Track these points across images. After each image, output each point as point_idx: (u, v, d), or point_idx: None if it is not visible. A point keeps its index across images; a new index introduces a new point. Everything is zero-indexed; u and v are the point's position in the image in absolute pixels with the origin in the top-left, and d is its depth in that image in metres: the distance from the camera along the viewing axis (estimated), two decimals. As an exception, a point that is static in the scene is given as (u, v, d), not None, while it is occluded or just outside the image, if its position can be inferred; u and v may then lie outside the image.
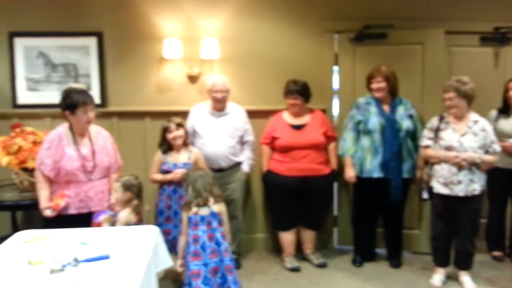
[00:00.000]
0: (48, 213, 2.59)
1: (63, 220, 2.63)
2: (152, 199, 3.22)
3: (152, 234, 2.14)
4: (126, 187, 2.63)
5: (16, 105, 3.61)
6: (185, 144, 3.19)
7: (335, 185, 3.85)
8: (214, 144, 3.36)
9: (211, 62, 3.68)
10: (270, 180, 3.57)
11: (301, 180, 3.45)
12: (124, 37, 3.64)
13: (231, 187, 3.46)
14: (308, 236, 3.68)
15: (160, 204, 3.13)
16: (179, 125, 3.15)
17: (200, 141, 3.38)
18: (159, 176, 3.16)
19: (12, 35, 3.55)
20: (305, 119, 3.56)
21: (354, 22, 3.70)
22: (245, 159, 3.56)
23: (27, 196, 3.13)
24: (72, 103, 2.66)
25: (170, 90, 3.73)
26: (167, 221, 3.11)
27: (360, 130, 3.44)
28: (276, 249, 3.83)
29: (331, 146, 3.64)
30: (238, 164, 3.52)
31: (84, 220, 2.62)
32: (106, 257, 1.74)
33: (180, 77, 3.71)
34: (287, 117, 3.58)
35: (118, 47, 3.65)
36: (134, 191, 2.65)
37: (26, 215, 3.64)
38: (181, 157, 3.16)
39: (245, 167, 3.56)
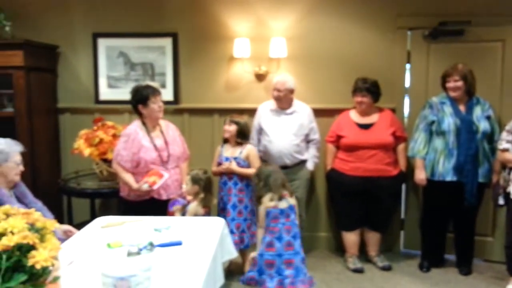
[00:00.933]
0: (145, 187, 2.75)
1: (140, 206, 2.82)
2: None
3: (218, 225, 2.23)
4: (194, 180, 2.77)
5: (98, 101, 3.91)
6: (238, 142, 3.25)
7: (403, 187, 3.73)
8: (279, 142, 3.40)
9: (279, 60, 3.72)
10: (334, 179, 3.55)
11: (366, 181, 3.38)
12: (197, 37, 3.81)
13: (295, 184, 3.48)
14: (373, 238, 3.60)
15: (224, 197, 3.23)
16: (233, 122, 3.23)
17: (266, 139, 3.44)
18: (214, 168, 3.28)
19: (96, 36, 3.85)
20: (373, 118, 3.48)
21: (428, 18, 3.56)
22: (310, 157, 3.57)
23: (105, 185, 3.41)
24: (143, 96, 2.88)
25: (238, 88, 3.84)
26: (222, 212, 3.21)
27: (433, 131, 3.30)
28: (339, 249, 3.80)
29: (400, 147, 3.53)
30: (302, 162, 3.53)
31: (160, 206, 2.80)
32: (179, 243, 1.86)
33: (248, 76, 3.80)
34: (354, 116, 3.53)
35: (191, 47, 3.83)
36: (201, 184, 2.78)
37: (103, 202, 3.95)
38: (233, 151, 3.25)
39: (310, 165, 3.57)
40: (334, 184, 3.58)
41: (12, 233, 0.97)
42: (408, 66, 3.73)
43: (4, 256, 0.92)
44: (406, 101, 3.79)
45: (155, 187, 2.76)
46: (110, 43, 3.85)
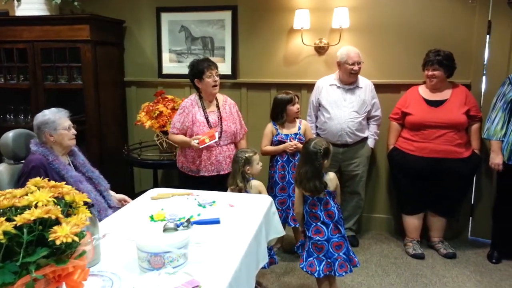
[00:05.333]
0: (194, 143, 2.79)
1: (196, 180, 2.89)
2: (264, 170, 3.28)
3: (264, 203, 2.19)
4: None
5: (161, 75, 4.01)
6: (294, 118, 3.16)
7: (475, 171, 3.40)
8: (340, 119, 3.25)
9: (341, 32, 3.52)
10: (397, 159, 3.34)
11: (433, 162, 3.15)
12: (256, 9, 3.71)
13: (355, 162, 3.35)
14: (437, 223, 3.38)
15: (274, 175, 3.19)
16: (298, 98, 3.13)
17: (326, 116, 3.31)
18: (270, 148, 3.17)
19: (159, 10, 3.91)
20: (444, 95, 3.20)
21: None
22: (371, 134, 3.41)
23: (166, 156, 3.52)
24: (198, 70, 2.88)
25: (297, 62, 3.71)
26: (281, 191, 3.16)
27: (513, 110, 2.95)
28: (399, 232, 3.62)
29: (474, 127, 3.23)
30: (363, 140, 3.37)
31: (214, 182, 2.82)
32: (217, 221, 1.85)
33: (308, 49, 3.65)
34: (424, 92, 3.27)
35: (250, 19, 3.75)
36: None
37: (166, 173, 4.10)
38: (293, 128, 3.15)
39: (370, 142, 3.42)
40: (397, 165, 3.37)
41: (36, 206, 1.00)
42: (487, 37, 3.32)
43: (25, 230, 0.95)
44: (484, 76, 3.40)
45: (202, 146, 2.76)
46: (173, 17, 3.90)
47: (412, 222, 3.39)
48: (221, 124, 2.94)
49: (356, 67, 3.19)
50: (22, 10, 3.63)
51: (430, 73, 3.16)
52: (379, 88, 3.42)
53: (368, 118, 3.38)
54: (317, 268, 2.35)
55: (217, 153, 2.92)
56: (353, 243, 3.45)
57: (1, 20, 3.71)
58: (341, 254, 2.39)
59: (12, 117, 3.95)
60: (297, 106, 3.10)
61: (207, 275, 1.39)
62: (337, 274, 2.39)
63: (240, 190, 2.59)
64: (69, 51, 3.57)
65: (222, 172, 2.91)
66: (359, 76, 3.33)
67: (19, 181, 2.22)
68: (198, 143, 2.78)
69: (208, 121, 2.92)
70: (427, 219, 3.42)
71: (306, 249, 2.40)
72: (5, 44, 3.68)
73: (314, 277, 2.45)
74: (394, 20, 3.47)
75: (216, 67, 2.93)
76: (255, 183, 2.61)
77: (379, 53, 3.54)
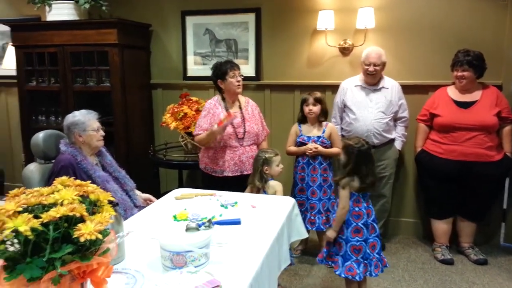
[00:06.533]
0: (215, 127, 2.78)
1: (219, 180, 2.90)
2: (289, 170, 3.28)
3: (287, 204, 2.18)
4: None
5: (186, 77, 4.06)
6: (320, 121, 3.12)
7: (507, 174, 3.29)
8: (365, 120, 3.21)
9: (366, 32, 3.47)
10: (425, 161, 3.26)
11: (462, 166, 3.06)
12: (280, 11, 3.71)
13: (382, 164, 3.30)
14: (467, 229, 3.28)
15: (295, 175, 3.17)
16: (317, 100, 3.07)
17: (351, 117, 3.27)
18: (293, 149, 3.17)
19: (184, 13, 3.96)
20: (474, 96, 3.11)
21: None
22: (398, 136, 3.34)
23: (190, 157, 3.56)
24: (221, 71, 2.90)
25: (321, 64, 3.68)
26: (300, 193, 3.14)
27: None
28: (427, 237, 3.54)
29: (506, 129, 3.12)
30: (390, 141, 3.31)
31: (238, 182, 2.83)
32: (238, 222, 1.85)
33: (332, 50, 3.62)
34: (452, 93, 3.18)
35: (274, 21, 3.75)
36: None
37: (191, 174, 4.15)
38: (315, 130, 3.12)
39: (398, 144, 3.36)
40: (424, 167, 3.30)
41: (62, 204, 1.03)
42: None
43: (51, 227, 0.98)
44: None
45: (222, 125, 2.74)
46: (197, 20, 3.94)
47: (441, 227, 3.30)
48: (244, 125, 2.95)
49: (371, 68, 3.14)
50: (53, 16, 3.76)
51: (459, 74, 3.08)
52: (407, 89, 3.35)
53: (395, 119, 3.32)
54: (358, 271, 2.30)
55: (240, 153, 2.93)
56: (379, 247, 3.40)
57: (33, 25, 3.86)
58: (375, 254, 2.36)
59: (43, 118, 4.09)
60: (309, 107, 3.07)
61: (228, 275, 1.39)
62: (373, 274, 2.36)
63: (258, 190, 2.59)
64: (97, 54, 3.67)
65: (245, 173, 2.92)
66: (385, 77, 3.27)
67: (49, 180, 2.29)
68: (218, 125, 2.76)
69: (232, 122, 2.93)
70: (456, 224, 3.32)
71: (341, 253, 2.35)
72: (37, 48, 3.82)
73: (338, 280, 2.42)
74: (421, 19, 3.40)
75: (239, 68, 2.94)
76: (273, 183, 2.60)
77: (406, 54, 3.47)
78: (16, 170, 4.62)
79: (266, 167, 2.59)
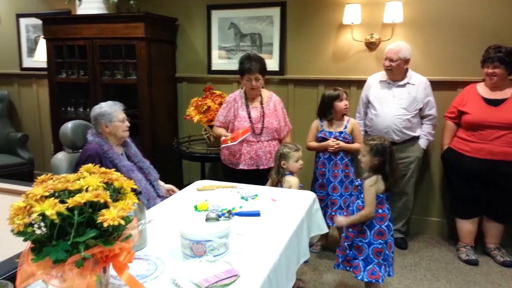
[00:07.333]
0: (222, 138, 2.86)
1: (236, 172, 2.93)
2: (310, 165, 3.26)
3: (308, 199, 2.18)
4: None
5: (210, 71, 4.10)
6: (342, 115, 3.10)
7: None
8: (386, 116, 3.17)
9: (393, 26, 3.41)
10: (451, 160, 3.19)
11: (490, 165, 2.97)
12: (305, 5, 3.69)
13: (405, 162, 3.24)
14: (494, 229, 3.19)
15: (315, 171, 3.15)
16: (346, 95, 3.07)
17: (373, 112, 3.24)
18: (314, 144, 3.15)
19: (210, 7, 3.99)
20: (505, 94, 3.02)
21: None
22: (423, 134, 3.27)
23: (213, 150, 3.59)
24: (241, 69, 2.91)
25: (346, 58, 3.64)
26: (320, 188, 3.12)
27: None
28: (452, 237, 3.46)
29: (538, 128, 3.00)
30: (413, 139, 3.25)
31: (254, 176, 2.84)
32: (257, 214, 1.87)
33: (358, 44, 3.57)
34: (482, 90, 3.09)
35: (299, 15, 3.72)
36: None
37: (212, 166, 4.19)
38: (337, 126, 3.09)
39: (422, 143, 3.28)
40: (451, 166, 3.22)
41: (87, 190, 1.06)
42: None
43: (76, 212, 1.02)
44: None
45: (237, 138, 2.79)
46: (223, 14, 3.96)
47: (466, 227, 3.22)
48: (263, 121, 2.95)
49: (387, 63, 3.10)
50: (82, 9, 3.85)
51: (490, 70, 2.99)
52: (434, 85, 3.27)
53: (422, 117, 3.25)
54: (380, 274, 2.28)
55: (257, 147, 2.93)
56: (402, 245, 3.35)
57: (64, 19, 3.97)
58: (391, 253, 2.34)
59: (72, 109, 4.21)
60: (344, 102, 3.04)
61: (246, 265, 1.41)
62: (391, 274, 2.34)
63: (277, 183, 2.62)
64: (125, 47, 3.74)
65: (261, 167, 2.93)
66: (413, 73, 3.21)
67: (76, 169, 2.34)
68: (222, 141, 2.85)
69: (250, 117, 2.94)
70: (482, 224, 3.24)
71: (362, 257, 2.32)
72: (67, 41, 3.93)
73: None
74: (451, 13, 3.31)
75: (258, 71, 2.85)
76: (289, 178, 2.59)
77: (435, 49, 3.39)
78: (45, 159, 4.77)
79: (283, 162, 2.60)
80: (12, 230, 1.01)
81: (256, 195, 2.16)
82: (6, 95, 4.72)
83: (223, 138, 2.88)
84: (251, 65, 2.86)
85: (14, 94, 4.89)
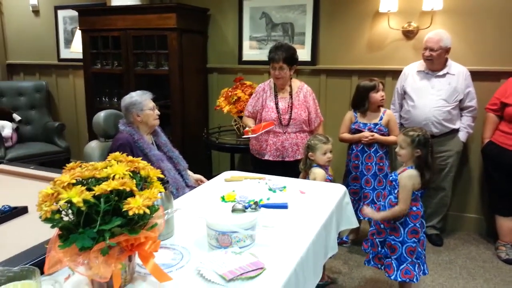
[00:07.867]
0: (246, 129, 2.84)
1: (262, 163, 2.91)
2: (342, 158, 3.19)
3: (338, 192, 2.12)
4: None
5: (241, 62, 4.07)
6: (378, 106, 2.99)
7: None
8: (425, 108, 3.04)
9: (432, 14, 3.26)
10: (492, 154, 3.04)
11: (534, 160, 2.81)
12: (340, -8, 3.59)
13: (443, 156, 3.12)
14: (536, 228, 3.02)
15: (348, 163, 3.07)
16: (383, 86, 2.96)
17: (410, 104, 3.12)
18: (347, 136, 3.06)
19: (242, -3, 3.95)
20: (552, 85, 2.83)
21: None
22: (463, 126, 3.13)
23: (242, 140, 3.57)
24: (268, 58, 2.86)
25: (382, 48, 3.52)
26: (354, 181, 3.05)
27: None
28: (490, 235, 3.31)
29: None
30: (453, 131, 3.11)
31: (280, 167, 2.81)
32: (284, 206, 1.83)
33: (394, 33, 3.44)
34: (528, 81, 2.92)
35: (333, 3, 3.62)
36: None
37: (241, 157, 4.18)
38: (372, 117, 2.99)
39: (462, 136, 3.14)
40: (492, 160, 3.07)
41: (113, 178, 1.06)
42: None
43: (102, 200, 1.02)
44: None
45: (259, 130, 2.77)
46: (254, 4, 3.91)
47: (507, 225, 3.07)
48: (291, 112, 2.89)
49: (427, 53, 2.97)
50: (117, 1, 3.90)
51: (536, 60, 2.81)
52: (476, 75, 3.11)
53: (462, 108, 3.11)
54: (415, 273, 2.21)
55: (283, 139, 2.88)
56: (437, 242, 3.25)
57: (99, 10, 4.04)
58: (424, 251, 2.26)
59: (106, 99, 4.30)
60: (381, 93, 2.93)
61: (272, 258, 1.38)
62: (426, 272, 2.27)
63: (305, 175, 2.58)
64: (157, 38, 3.77)
65: (287, 159, 2.88)
66: (452, 62, 3.07)
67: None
68: (252, 131, 2.80)
69: (277, 107, 2.89)
70: (524, 223, 3.08)
71: (395, 256, 2.25)
72: (102, 32, 4.00)
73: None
74: (493, 0, 3.12)
75: (282, 60, 2.78)
76: (315, 170, 2.53)
77: (477, 38, 3.21)
78: (81, 147, 4.87)
79: (311, 153, 2.54)
80: (40, 217, 1.03)
81: (285, 187, 2.12)
82: (44, 85, 4.88)
83: (246, 128, 2.85)
84: (275, 54, 2.80)
85: (52, 84, 5.05)
